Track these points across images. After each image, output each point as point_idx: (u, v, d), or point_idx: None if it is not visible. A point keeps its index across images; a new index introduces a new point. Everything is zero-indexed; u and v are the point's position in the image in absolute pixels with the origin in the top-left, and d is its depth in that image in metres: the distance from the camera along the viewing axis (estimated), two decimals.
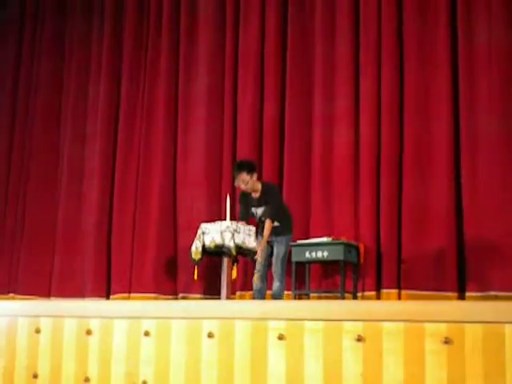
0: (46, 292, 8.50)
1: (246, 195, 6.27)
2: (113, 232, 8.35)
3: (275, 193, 6.28)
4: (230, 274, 5.64)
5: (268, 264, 6.16)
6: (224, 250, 5.56)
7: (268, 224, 6.02)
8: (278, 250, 6.09)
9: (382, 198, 6.96)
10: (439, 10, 7.01)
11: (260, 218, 6.16)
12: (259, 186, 6.21)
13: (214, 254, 6.08)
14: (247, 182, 6.09)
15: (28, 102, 9.23)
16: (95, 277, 8.25)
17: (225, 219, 6.13)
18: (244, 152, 7.61)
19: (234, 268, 5.65)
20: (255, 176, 6.16)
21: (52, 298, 8.34)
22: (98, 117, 8.68)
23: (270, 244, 6.12)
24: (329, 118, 7.39)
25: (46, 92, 9.12)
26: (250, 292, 6.55)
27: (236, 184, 6.23)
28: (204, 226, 5.74)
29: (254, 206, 6.21)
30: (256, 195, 6.20)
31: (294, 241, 6.85)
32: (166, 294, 7.82)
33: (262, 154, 7.56)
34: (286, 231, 6.18)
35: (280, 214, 6.11)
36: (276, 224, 6.04)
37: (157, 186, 8.15)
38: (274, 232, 6.08)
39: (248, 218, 6.22)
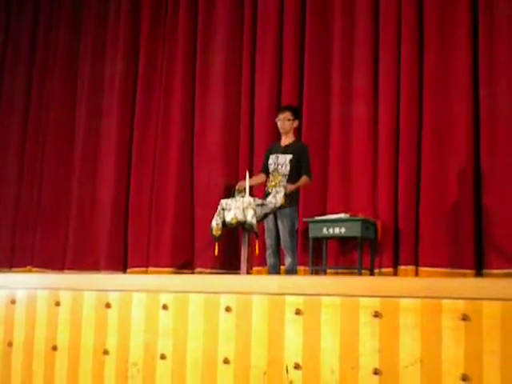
0: (63, 265, 8.57)
1: (272, 148, 6.31)
2: (130, 206, 8.39)
3: (308, 154, 6.25)
4: (249, 250, 5.63)
5: (278, 238, 6.14)
6: (246, 226, 5.54)
7: (305, 179, 6.08)
8: (284, 224, 6.02)
9: (400, 174, 6.94)
10: None
11: (277, 166, 6.12)
12: (293, 136, 6.32)
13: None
14: (286, 121, 6.22)
15: (44, 78, 9.25)
16: (112, 250, 8.31)
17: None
18: (262, 127, 7.60)
19: (257, 244, 5.63)
20: (296, 123, 6.36)
21: (67, 271, 8.40)
22: (115, 92, 8.68)
23: (274, 215, 6.06)
24: (347, 94, 7.35)
25: (62, 68, 9.13)
26: (267, 267, 6.56)
27: (276, 119, 6.32)
28: (224, 202, 5.71)
29: (277, 153, 6.20)
30: (285, 142, 6.27)
31: (311, 216, 6.87)
32: (182, 269, 7.86)
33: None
34: (292, 203, 5.99)
35: (289, 183, 6.06)
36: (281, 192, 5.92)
37: (174, 161, 8.16)
38: (279, 207, 5.99)
39: (268, 173, 6.24)
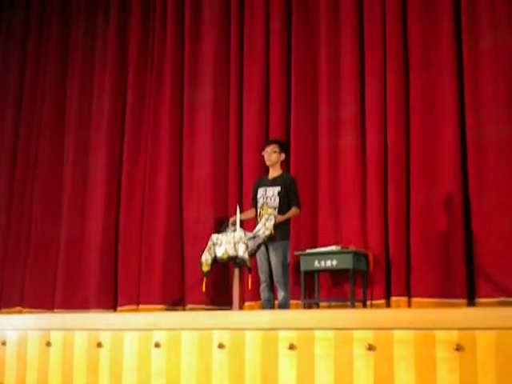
0: (53, 305, 8.49)
1: (260, 182, 6.33)
2: (119, 243, 8.34)
3: (296, 185, 6.26)
4: (242, 285, 5.60)
5: (271, 272, 6.12)
6: (237, 261, 5.53)
7: (294, 210, 6.09)
8: (276, 258, 5.99)
9: (390, 204, 6.95)
10: (443, 15, 7.01)
11: (266, 199, 6.13)
12: (280, 170, 6.32)
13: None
14: (273, 153, 6.25)
15: (33, 113, 9.22)
16: (102, 289, 8.23)
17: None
18: (250, 161, 7.61)
19: (250, 278, 5.61)
20: (283, 156, 6.36)
21: (58, 311, 8.31)
22: (103, 127, 8.67)
23: (266, 249, 6.05)
24: (335, 125, 7.39)
25: (50, 103, 9.09)
26: (259, 302, 6.54)
27: (263, 152, 6.34)
28: (215, 237, 5.70)
29: (265, 186, 6.20)
30: (273, 175, 6.27)
31: (302, 249, 6.86)
32: (173, 305, 7.81)
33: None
34: (283, 236, 6.02)
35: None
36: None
37: (163, 197, 8.14)
38: (269, 236, 5.89)
39: (257, 207, 6.24)
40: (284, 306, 6.00)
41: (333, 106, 7.43)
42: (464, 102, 6.85)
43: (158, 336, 4.56)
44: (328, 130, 7.41)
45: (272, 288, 6.13)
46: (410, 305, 6.66)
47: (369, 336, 3.91)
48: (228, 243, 5.59)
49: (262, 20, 7.93)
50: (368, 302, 6.80)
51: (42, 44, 9.40)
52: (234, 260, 5.58)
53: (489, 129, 6.69)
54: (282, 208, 6.07)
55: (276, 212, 6.03)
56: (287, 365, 4.10)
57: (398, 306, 6.63)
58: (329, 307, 6.92)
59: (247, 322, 4.36)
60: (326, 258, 6.68)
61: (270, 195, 6.15)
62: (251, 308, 7.12)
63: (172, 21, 8.48)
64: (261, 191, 6.22)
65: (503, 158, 6.62)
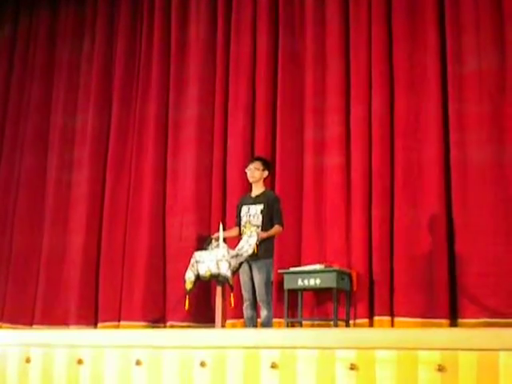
0: (32, 321, 8.40)
1: (243, 200, 6.33)
2: (101, 259, 8.28)
3: (279, 203, 6.25)
4: (224, 303, 5.57)
5: (254, 291, 6.11)
6: (220, 278, 5.51)
7: (277, 227, 6.07)
8: (260, 277, 5.98)
9: (374, 224, 6.96)
10: (429, 37, 7.07)
11: (249, 218, 6.13)
12: (263, 187, 6.32)
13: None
14: (256, 170, 6.24)
15: (17, 129, 9.18)
16: (83, 304, 8.15)
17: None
18: (234, 179, 7.60)
19: (232, 296, 5.58)
20: (266, 174, 6.33)
21: (37, 327, 8.23)
22: (87, 143, 8.63)
23: (249, 268, 6.06)
24: (320, 144, 7.41)
25: (34, 120, 9.04)
26: (242, 320, 6.51)
27: (246, 169, 6.33)
28: (198, 255, 5.68)
29: (248, 204, 6.21)
30: (255, 193, 6.27)
31: (285, 268, 6.85)
32: (155, 323, 7.76)
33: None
34: (267, 255, 6.02)
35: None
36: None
37: (146, 214, 8.11)
38: (251, 255, 5.87)
39: (240, 225, 6.24)
40: (267, 324, 5.98)
41: (318, 126, 7.45)
42: (448, 124, 6.90)
43: (139, 354, 4.52)
44: (313, 149, 7.43)
45: (255, 306, 6.11)
46: (392, 324, 6.65)
47: (351, 355, 3.89)
48: (211, 261, 5.57)
49: (249, 39, 7.96)
50: (351, 322, 6.79)
51: (27, 61, 9.38)
52: (216, 278, 5.55)
53: (472, 151, 6.74)
54: (265, 226, 6.07)
55: (259, 230, 6.03)
56: None
57: (381, 325, 6.63)
58: (312, 326, 6.90)
59: (229, 340, 4.34)
60: (310, 276, 6.67)
61: (252, 213, 6.15)
62: (233, 326, 7.08)
63: (158, 38, 8.50)
64: (244, 209, 6.22)
65: (487, 179, 6.66)
